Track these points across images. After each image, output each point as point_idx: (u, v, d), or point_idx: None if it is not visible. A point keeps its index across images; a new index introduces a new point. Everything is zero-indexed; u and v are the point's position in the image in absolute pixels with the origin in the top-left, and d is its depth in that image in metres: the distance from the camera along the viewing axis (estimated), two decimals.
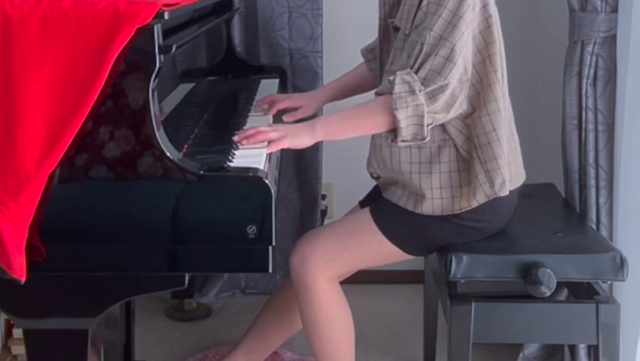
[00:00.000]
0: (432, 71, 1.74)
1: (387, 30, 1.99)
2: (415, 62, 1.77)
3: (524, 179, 2.01)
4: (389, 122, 1.76)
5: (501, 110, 1.84)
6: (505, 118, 1.89)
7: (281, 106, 2.15)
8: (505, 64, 1.88)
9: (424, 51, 1.76)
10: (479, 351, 2.41)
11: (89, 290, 1.49)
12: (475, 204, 1.87)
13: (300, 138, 1.77)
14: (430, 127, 1.76)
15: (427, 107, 1.73)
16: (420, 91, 1.73)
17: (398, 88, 1.73)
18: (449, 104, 1.78)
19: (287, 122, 1.99)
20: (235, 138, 1.74)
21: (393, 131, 1.77)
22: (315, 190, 2.79)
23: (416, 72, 1.75)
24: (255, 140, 1.71)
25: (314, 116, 2.27)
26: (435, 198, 1.88)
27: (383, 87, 1.79)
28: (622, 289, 2.09)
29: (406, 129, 1.74)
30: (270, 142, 1.72)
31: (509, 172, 1.91)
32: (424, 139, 1.75)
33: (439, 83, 1.74)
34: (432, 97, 1.74)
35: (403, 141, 1.76)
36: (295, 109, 2.17)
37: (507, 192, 1.87)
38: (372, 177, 2.07)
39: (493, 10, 1.84)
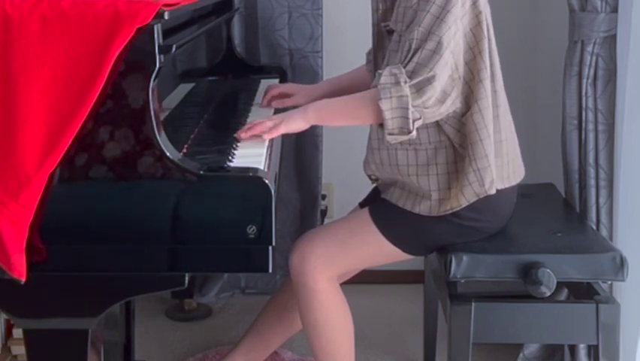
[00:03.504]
0: (418, 64, 1.75)
1: (381, 35, 1.99)
2: (405, 58, 1.78)
3: (523, 175, 2.01)
4: (375, 114, 1.77)
5: (491, 107, 1.84)
6: (502, 115, 1.89)
7: (275, 92, 2.21)
8: (497, 60, 1.89)
9: (413, 46, 1.77)
10: (479, 351, 2.41)
11: (89, 290, 1.49)
12: (464, 203, 1.86)
13: (294, 122, 1.82)
14: (417, 122, 1.75)
15: (412, 100, 1.74)
16: (405, 83, 1.74)
17: (384, 79, 1.75)
18: (439, 100, 1.78)
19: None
20: (236, 135, 1.78)
21: (382, 126, 1.78)
22: (315, 190, 2.79)
23: (405, 66, 1.77)
24: (253, 132, 1.76)
25: None
26: (433, 199, 1.88)
27: (374, 81, 1.81)
28: (622, 289, 2.09)
29: (391, 121, 1.74)
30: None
31: (508, 169, 1.91)
32: (410, 132, 1.75)
33: (425, 75, 1.74)
34: (418, 90, 1.74)
35: (390, 134, 1.76)
36: (287, 96, 2.21)
37: (494, 191, 1.86)
38: (371, 179, 2.07)
39: (484, 6, 1.84)
